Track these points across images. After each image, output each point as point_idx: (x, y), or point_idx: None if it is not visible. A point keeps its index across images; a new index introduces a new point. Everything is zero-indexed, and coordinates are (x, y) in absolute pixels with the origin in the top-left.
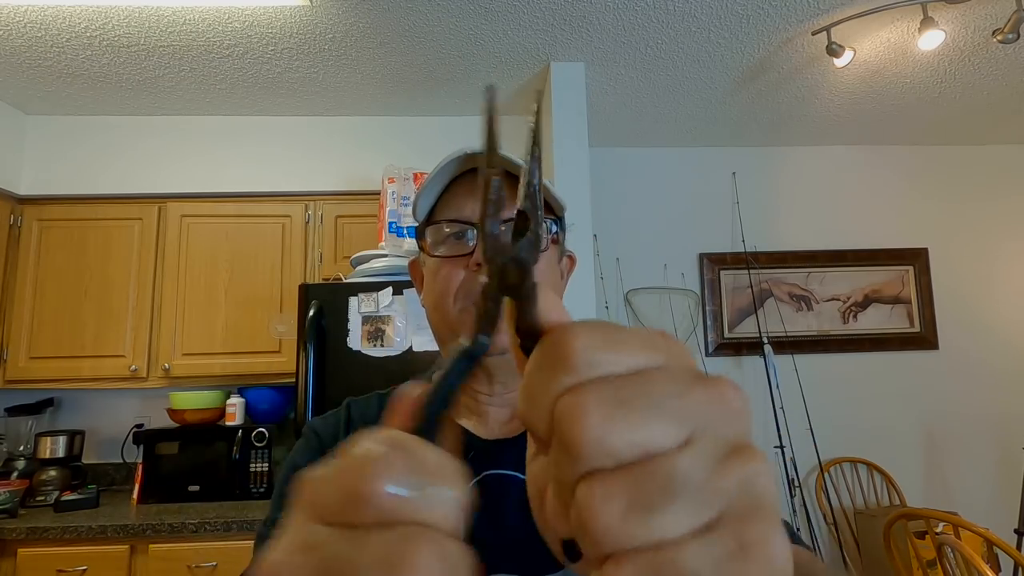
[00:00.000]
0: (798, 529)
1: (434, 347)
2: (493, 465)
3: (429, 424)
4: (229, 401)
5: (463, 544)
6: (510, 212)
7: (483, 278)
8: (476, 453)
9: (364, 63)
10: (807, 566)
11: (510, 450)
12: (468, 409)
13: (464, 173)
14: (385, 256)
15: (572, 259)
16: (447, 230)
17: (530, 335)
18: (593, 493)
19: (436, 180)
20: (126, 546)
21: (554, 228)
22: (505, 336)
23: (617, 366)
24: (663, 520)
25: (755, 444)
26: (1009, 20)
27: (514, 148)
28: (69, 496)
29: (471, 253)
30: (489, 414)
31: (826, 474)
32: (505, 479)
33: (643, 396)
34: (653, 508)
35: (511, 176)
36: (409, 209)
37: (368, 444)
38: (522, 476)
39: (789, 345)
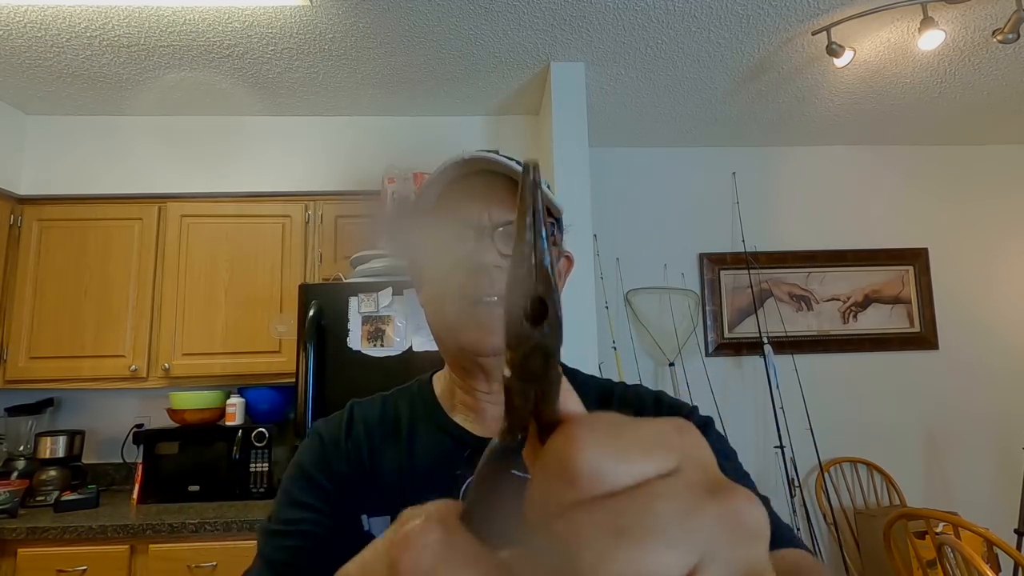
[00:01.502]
0: (798, 529)
1: (433, 347)
2: None
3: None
4: (229, 401)
5: None
6: (512, 214)
7: (506, 371)
8: (472, 451)
9: (364, 63)
10: None
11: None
12: (466, 406)
13: (465, 176)
14: (385, 256)
15: (569, 260)
16: (447, 231)
17: (548, 427)
18: None
19: (437, 182)
20: (126, 546)
21: (552, 231)
22: (500, 338)
23: (624, 477)
24: None
25: (770, 572)
26: (1009, 20)
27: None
28: (69, 496)
29: (470, 254)
30: (487, 412)
31: (826, 474)
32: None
33: (645, 521)
34: None
35: (510, 179)
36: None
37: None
38: (521, 475)
39: (789, 345)
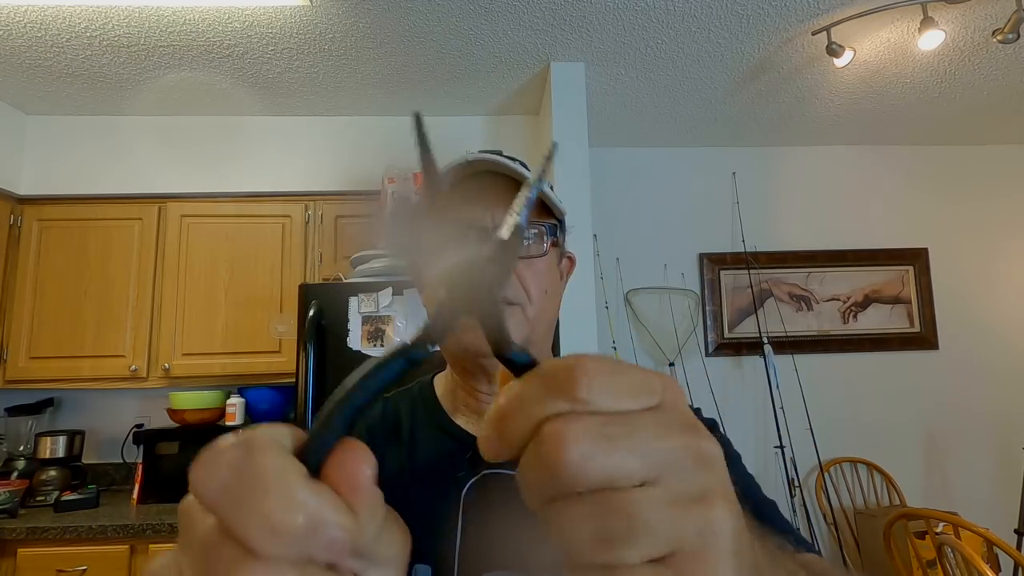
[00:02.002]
0: (798, 529)
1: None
2: (491, 465)
3: (341, 422)
4: (229, 401)
5: None
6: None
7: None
8: (475, 452)
9: (364, 63)
10: (825, 572)
11: None
12: (468, 408)
13: (468, 177)
14: (385, 256)
15: (572, 260)
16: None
17: (513, 362)
18: (563, 517)
19: (437, 185)
20: (126, 546)
21: (553, 232)
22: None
23: (612, 403)
24: (621, 551)
25: (724, 495)
26: (1009, 20)
27: (514, 150)
28: (69, 496)
29: None
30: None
31: (826, 474)
32: (506, 478)
33: (625, 436)
34: (613, 538)
35: (512, 180)
36: None
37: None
38: (509, 472)
39: (789, 345)
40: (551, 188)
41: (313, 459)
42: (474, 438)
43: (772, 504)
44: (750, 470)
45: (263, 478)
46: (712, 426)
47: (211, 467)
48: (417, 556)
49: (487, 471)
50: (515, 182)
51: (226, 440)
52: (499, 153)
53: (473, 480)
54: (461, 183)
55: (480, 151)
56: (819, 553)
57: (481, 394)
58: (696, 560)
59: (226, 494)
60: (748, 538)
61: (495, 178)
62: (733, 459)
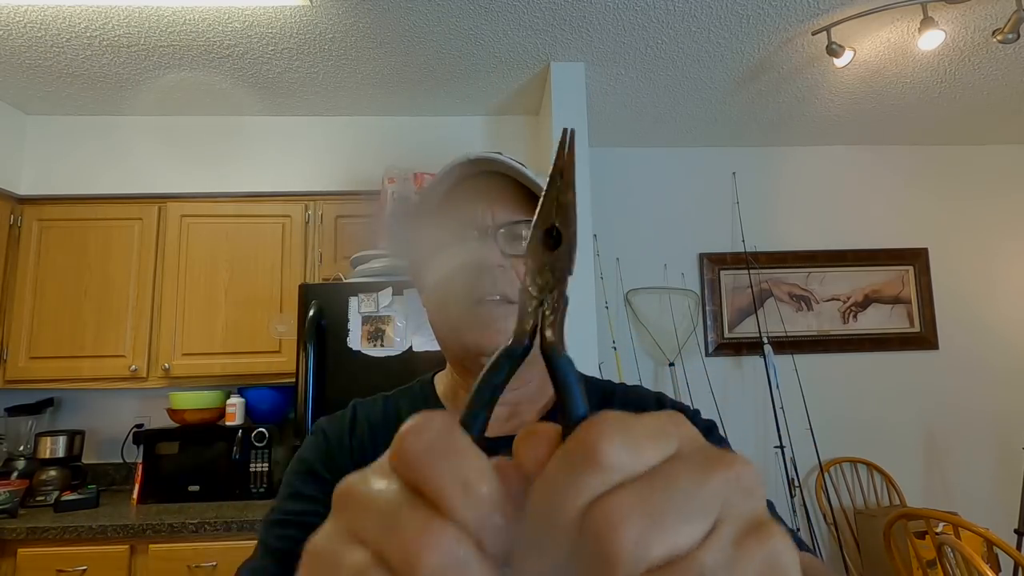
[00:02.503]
0: (798, 529)
1: (434, 347)
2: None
3: (476, 421)
4: (229, 401)
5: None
6: (514, 215)
7: (526, 282)
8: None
9: (364, 63)
10: None
11: (506, 448)
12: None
13: (469, 177)
14: (385, 256)
15: None
16: (451, 231)
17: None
18: None
19: (441, 183)
20: (126, 546)
21: None
22: (507, 337)
23: (641, 463)
24: None
25: (771, 520)
26: (1009, 20)
27: (514, 150)
28: (69, 496)
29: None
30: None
31: (826, 474)
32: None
33: (670, 498)
34: None
35: (512, 180)
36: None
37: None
38: None
39: (789, 345)
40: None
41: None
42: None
43: (769, 504)
44: None
45: (461, 451)
46: (711, 428)
47: (420, 433)
48: None
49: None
50: (515, 182)
51: (427, 417)
52: (499, 154)
53: None
54: (463, 182)
55: (481, 152)
56: (819, 555)
57: None
58: None
59: (430, 454)
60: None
61: (497, 178)
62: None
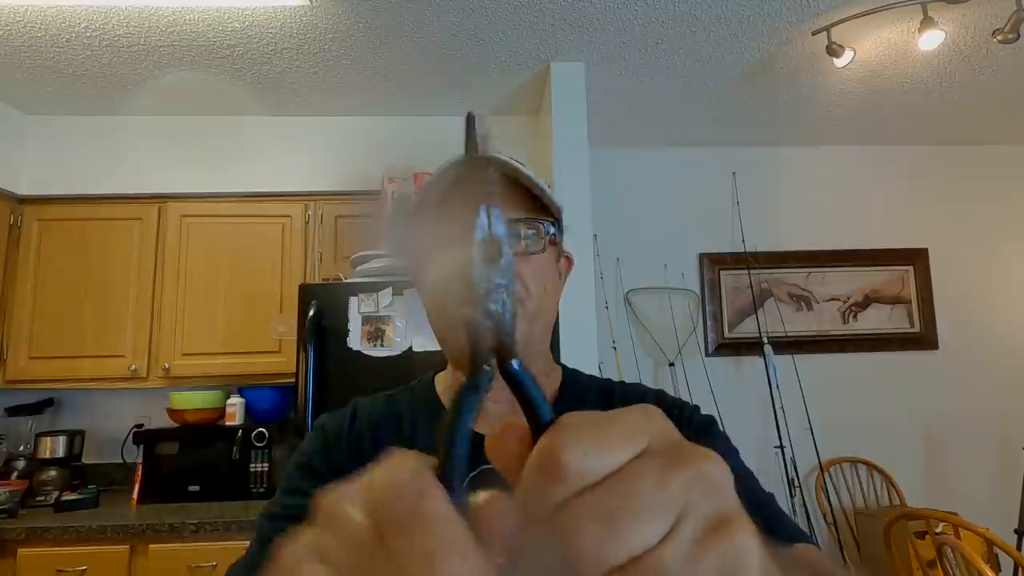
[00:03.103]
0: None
1: (434, 347)
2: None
3: (457, 473)
4: (229, 401)
5: None
6: (513, 213)
7: (472, 311)
8: (473, 449)
9: (364, 63)
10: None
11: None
12: None
13: (466, 175)
14: (385, 256)
15: (569, 260)
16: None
17: (535, 430)
18: None
19: (438, 182)
20: (126, 546)
21: (551, 230)
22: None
23: (606, 467)
24: None
25: (737, 514)
26: (1009, 20)
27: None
28: (69, 496)
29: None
30: (489, 410)
31: (826, 474)
32: (487, 473)
33: (627, 503)
34: None
35: (507, 178)
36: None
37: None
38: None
39: (789, 345)
40: (548, 187)
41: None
42: (474, 434)
43: (770, 497)
44: (750, 470)
45: (429, 518)
46: (710, 423)
47: (393, 491)
48: None
49: (486, 467)
50: (512, 180)
51: (400, 470)
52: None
53: (471, 476)
54: (458, 182)
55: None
56: (815, 543)
57: None
58: None
59: (398, 517)
60: (768, 558)
61: (494, 174)
62: (731, 454)
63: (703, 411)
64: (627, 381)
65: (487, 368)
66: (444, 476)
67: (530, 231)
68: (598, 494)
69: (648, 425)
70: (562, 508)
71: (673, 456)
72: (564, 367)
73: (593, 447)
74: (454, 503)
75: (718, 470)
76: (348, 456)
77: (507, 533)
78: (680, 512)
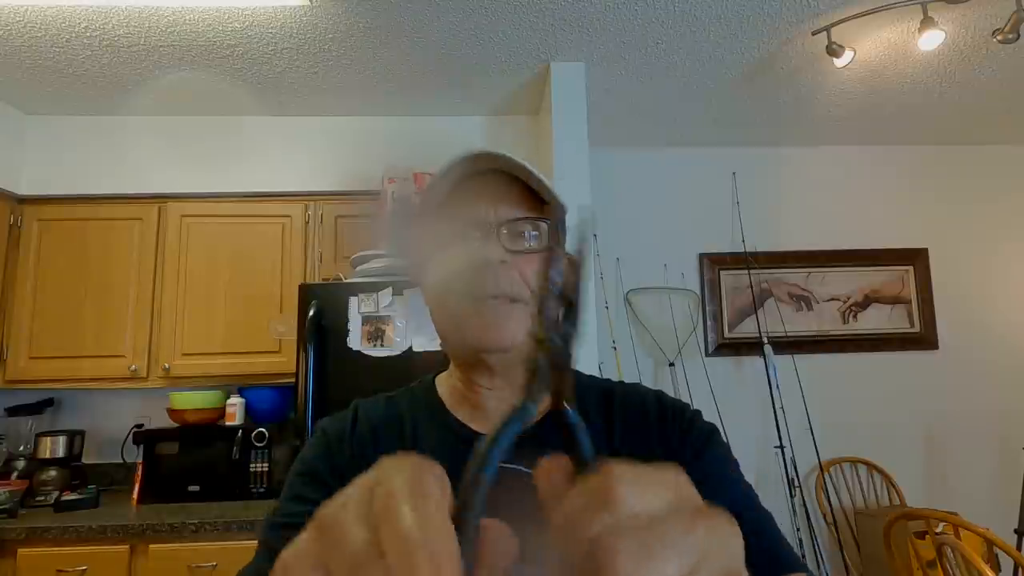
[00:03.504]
0: (797, 530)
1: (434, 347)
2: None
3: (480, 497)
4: (229, 401)
5: None
6: (517, 212)
7: (538, 356)
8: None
9: (364, 63)
10: None
11: (517, 446)
12: (469, 404)
13: (470, 174)
14: (385, 256)
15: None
16: (454, 227)
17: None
18: None
19: (443, 180)
20: (126, 546)
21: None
22: (510, 335)
23: (642, 509)
24: None
25: (742, 571)
26: (1009, 20)
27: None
28: (69, 496)
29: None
30: (490, 408)
31: (826, 474)
32: (510, 472)
33: (661, 538)
34: None
35: (514, 178)
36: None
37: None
38: (525, 469)
39: (789, 345)
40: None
41: (469, 522)
42: (475, 433)
43: (768, 516)
44: (750, 470)
45: (437, 547)
46: (712, 431)
47: (406, 502)
48: None
49: (504, 466)
50: (517, 179)
51: (420, 483)
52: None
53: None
54: (465, 180)
55: (481, 149)
56: (818, 553)
57: (483, 389)
58: None
59: (397, 537)
60: None
61: (498, 175)
62: (732, 466)
63: (704, 413)
64: (626, 381)
65: (532, 408)
66: (467, 497)
67: (533, 231)
68: (639, 530)
69: (676, 484)
70: (603, 534)
71: (696, 511)
72: None
73: (638, 490)
74: (470, 520)
75: (732, 527)
76: (351, 460)
77: (506, 567)
78: (699, 558)
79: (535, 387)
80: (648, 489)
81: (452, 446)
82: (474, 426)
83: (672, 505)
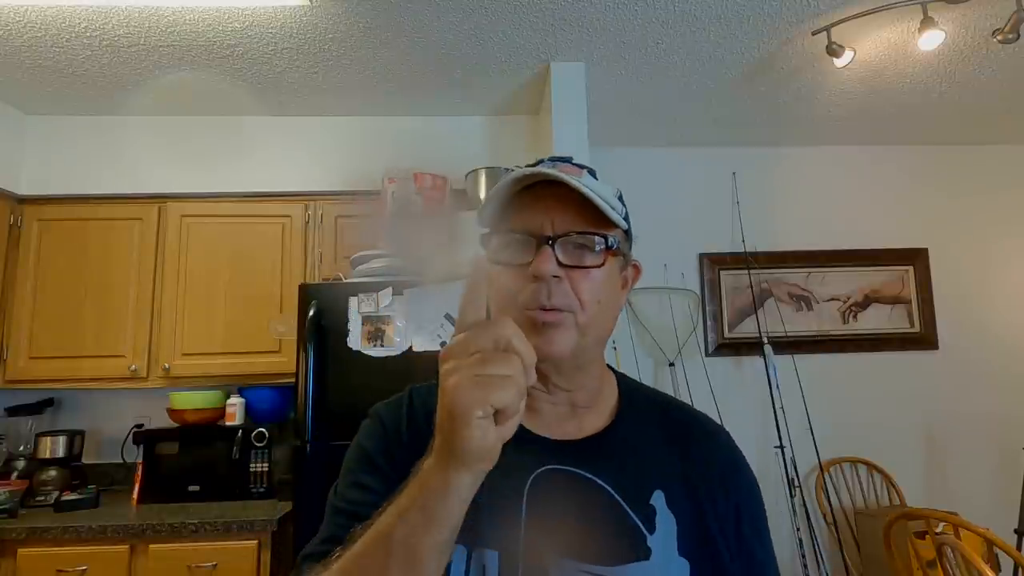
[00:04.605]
0: (798, 529)
1: (434, 347)
2: (554, 461)
3: None
4: (229, 401)
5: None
6: (577, 227)
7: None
8: (539, 448)
9: (364, 63)
10: None
11: (571, 450)
12: (527, 406)
13: (530, 186)
14: (385, 256)
15: (637, 268)
16: (510, 239)
17: None
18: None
19: (500, 191)
20: (126, 546)
21: (611, 242)
22: (558, 346)
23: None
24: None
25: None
26: (1009, 20)
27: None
28: (69, 496)
29: (531, 263)
30: (544, 411)
31: (826, 474)
32: (567, 473)
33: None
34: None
35: (576, 192)
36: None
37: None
38: (583, 472)
39: (789, 345)
40: (621, 199)
41: None
42: (533, 435)
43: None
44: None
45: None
46: (752, 485)
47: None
48: (485, 542)
49: (550, 466)
50: (572, 190)
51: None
52: (569, 160)
53: (536, 473)
54: (521, 193)
55: (551, 158)
56: (818, 553)
57: (537, 392)
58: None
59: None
60: None
61: (556, 186)
62: (762, 528)
63: (714, 423)
64: (685, 403)
65: None
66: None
67: (586, 245)
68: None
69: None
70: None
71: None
72: (616, 374)
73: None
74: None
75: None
76: (408, 451)
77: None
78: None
79: None
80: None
81: (512, 445)
82: (531, 427)
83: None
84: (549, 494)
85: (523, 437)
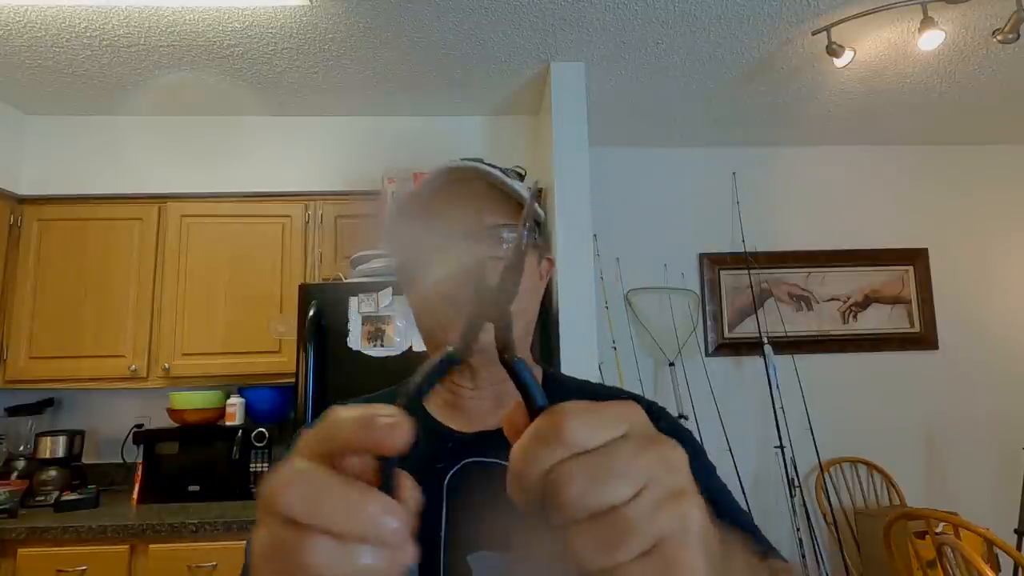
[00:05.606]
0: (798, 529)
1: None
2: (476, 454)
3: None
4: (229, 401)
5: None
6: (503, 219)
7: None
8: (455, 444)
9: (364, 63)
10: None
11: (492, 441)
12: (447, 404)
13: (453, 182)
14: (385, 256)
15: (551, 262)
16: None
17: (532, 413)
18: (573, 539)
19: (426, 188)
20: (126, 546)
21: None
22: (488, 336)
23: (591, 442)
24: (616, 553)
25: (689, 489)
26: (1009, 20)
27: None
28: (69, 496)
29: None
30: (469, 408)
31: (826, 474)
32: (485, 466)
33: (609, 465)
34: (611, 546)
35: (490, 184)
36: None
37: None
38: (503, 462)
39: (789, 345)
40: (530, 190)
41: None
42: (451, 431)
43: (726, 492)
44: (750, 470)
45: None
46: (675, 427)
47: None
48: None
49: (468, 460)
50: (492, 186)
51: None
52: (480, 160)
53: (455, 469)
54: (448, 187)
55: (463, 160)
56: (818, 553)
57: (463, 390)
58: (676, 546)
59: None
60: (711, 527)
61: (480, 183)
62: (698, 453)
63: (704, 413)
64: (627, 382)
65: (464, 350)
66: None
67: (509, 235)
68: (586, 459)
69: (630, 416)
70: (555, 468)
71: (645, 440)
72: (544, 367)
73: (587, 424)
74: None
75: (679, 455)
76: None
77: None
78: (647, 481)
79: (469, 333)
80: (599, 422)
81: (431, 443)
82: (452, 425)
83: (623, 435)
84: (468, 489)
85: (441, 434)
